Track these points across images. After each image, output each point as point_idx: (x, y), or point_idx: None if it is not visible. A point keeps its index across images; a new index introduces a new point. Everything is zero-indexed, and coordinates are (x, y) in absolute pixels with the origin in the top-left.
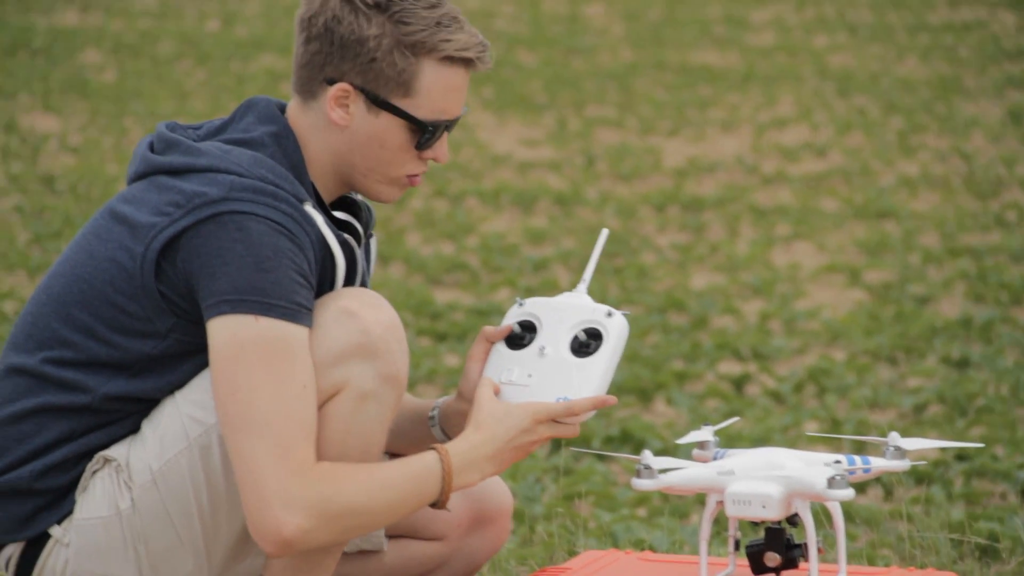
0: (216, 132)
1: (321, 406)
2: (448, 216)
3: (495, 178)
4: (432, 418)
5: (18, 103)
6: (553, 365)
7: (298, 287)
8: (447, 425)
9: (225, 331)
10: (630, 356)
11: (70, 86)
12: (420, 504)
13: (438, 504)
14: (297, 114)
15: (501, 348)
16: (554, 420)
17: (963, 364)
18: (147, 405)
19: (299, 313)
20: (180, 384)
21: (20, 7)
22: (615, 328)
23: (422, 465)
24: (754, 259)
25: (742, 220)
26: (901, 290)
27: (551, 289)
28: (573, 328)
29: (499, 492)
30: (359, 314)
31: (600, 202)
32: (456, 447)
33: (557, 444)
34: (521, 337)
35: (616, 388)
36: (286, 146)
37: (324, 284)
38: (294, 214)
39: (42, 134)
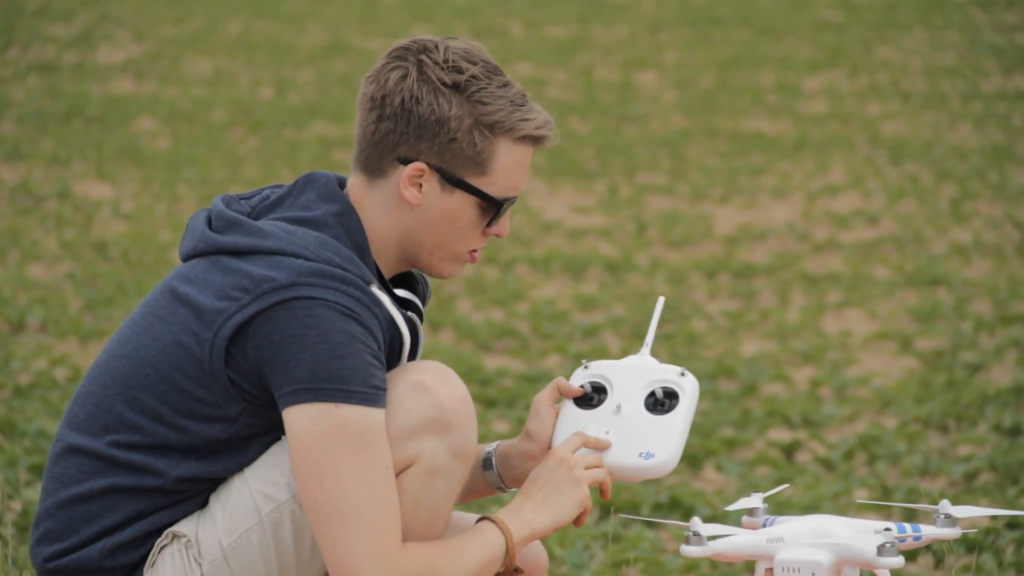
0: (273, 207)
1: None
2: (498, 283)
3: (546, 245)
4: (487, 461)
5: (72, 170)
6: (630, 422)
7: (373, 370)
8: (506, 467)
9: (305, 419)
10: None
11: (124, 153)
12: (494, 569)
13: (505, 568)
14: (360, 191)
15: (571, 408)
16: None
17: (1015, 432)
18: (216, 483)
19: (376, 396)
20: (249, 462)
21: (75, 75)
22: (690, 387)
23: (485, 535)
24: (805, 326)
25: (793, 287)
26: (952, 358)
27: (601, 356)
28: (647, 387)
29: (534, 548)
30: (432, 389)
31: (651, 269)
32: (504, 510)
33: (606, 510)
34: (591, 398)
35: None
36: (349, 226)
37: (392, 361)
38: (362, 298)
39: (95, 201)
